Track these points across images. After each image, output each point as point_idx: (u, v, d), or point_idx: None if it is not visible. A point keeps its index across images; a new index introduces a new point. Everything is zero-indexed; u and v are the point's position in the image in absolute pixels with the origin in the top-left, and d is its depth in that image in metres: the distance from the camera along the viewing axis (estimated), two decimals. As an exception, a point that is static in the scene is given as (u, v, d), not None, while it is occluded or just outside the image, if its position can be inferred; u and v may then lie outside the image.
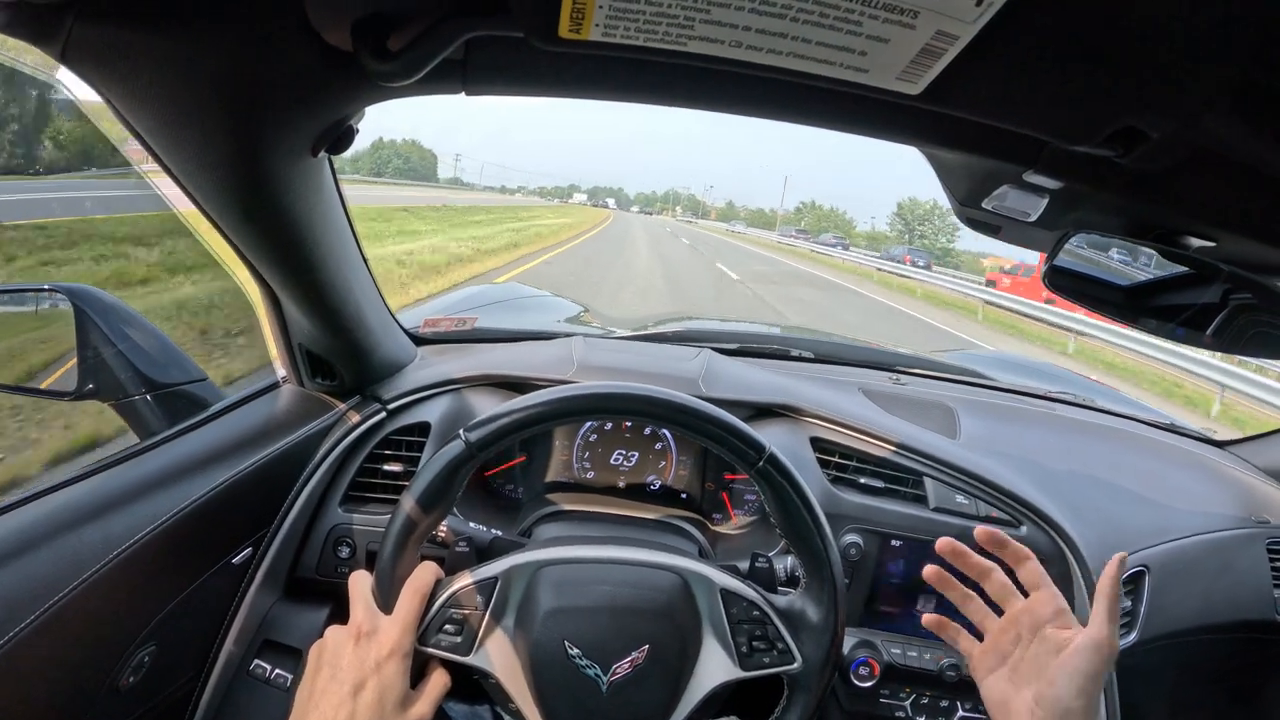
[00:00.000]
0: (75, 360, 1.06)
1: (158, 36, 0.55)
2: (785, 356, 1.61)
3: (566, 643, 0.77)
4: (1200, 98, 0.52)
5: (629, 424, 1.26)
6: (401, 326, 1.28)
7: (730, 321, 2.29)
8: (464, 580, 0.79)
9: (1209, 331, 0.88)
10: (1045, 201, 0.79)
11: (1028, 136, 0.63)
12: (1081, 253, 0.87)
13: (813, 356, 1.63)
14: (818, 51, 0.49)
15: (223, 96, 0.61)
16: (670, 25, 0.48)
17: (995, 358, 2.90)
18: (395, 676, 0.72)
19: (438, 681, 0.77)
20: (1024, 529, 1.14)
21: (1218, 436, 1.70)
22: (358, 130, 0.74)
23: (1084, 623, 0.79)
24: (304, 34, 0.56)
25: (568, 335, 1.41)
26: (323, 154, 0.75)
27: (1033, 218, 0.83)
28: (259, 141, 0.67)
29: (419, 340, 1.37)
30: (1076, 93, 0.54)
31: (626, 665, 0.77)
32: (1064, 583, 1.13)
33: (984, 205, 0.83)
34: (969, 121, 0.62)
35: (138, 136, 0.66)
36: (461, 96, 0.66)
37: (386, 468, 1.15)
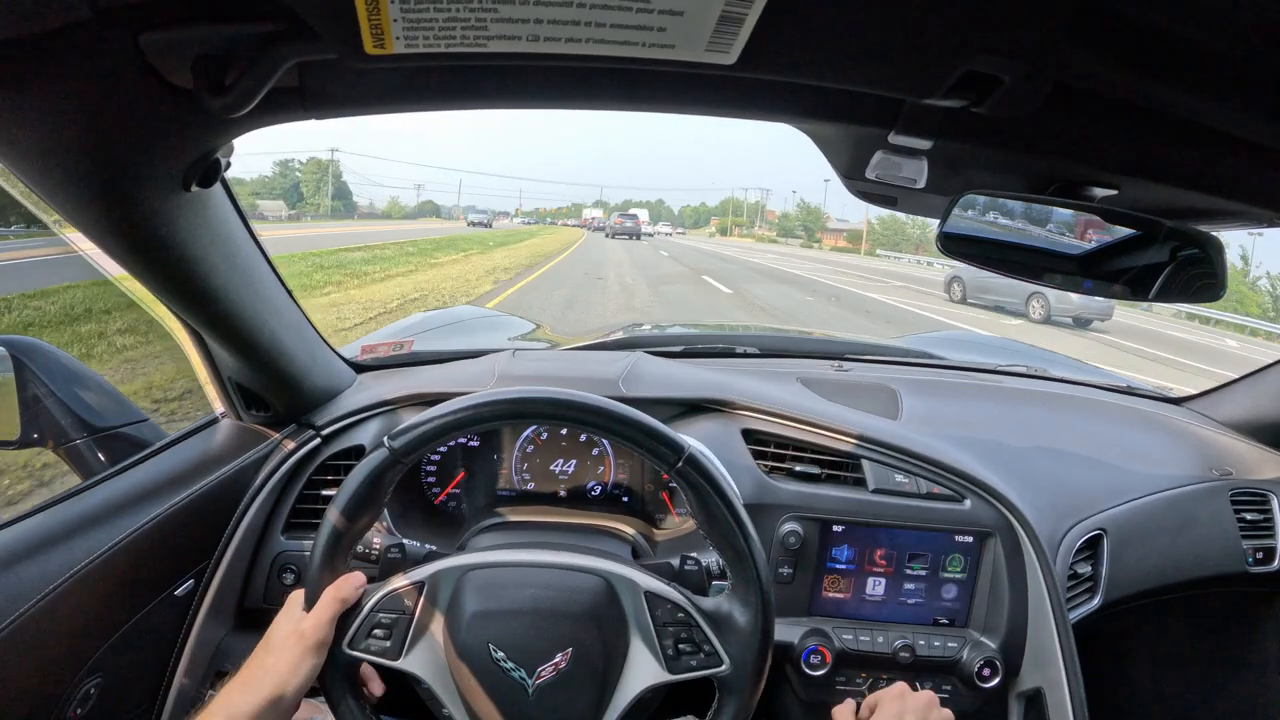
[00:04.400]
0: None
1: (20, 95, 0.57)
2: (730, 354, 1.62)
3: (491, 646, 0.77)
4: (1039, 30, 0.51)
5: (565, 432, 1.27)
6: (338, 354, 1.29)
7: (675, 326, 2.29)
8: (392, 585, 0.80)
9: (1125, 282, 0.88)
10: (925, 164, 0.79)
11: (876, 95, 0.63)
12: (973, 216, 0.87)
13: (758, 352, 1.63)
14: (616, 34, 0.50)
15: (83, 144, 0.64)
16: (465, 29, 0.49)
17: (948, 337, 2.90)
18: (298, 658, 0.74)
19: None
20: (967, 503, 1.14)
21: (1174, 394, 1.70)
22: (228, 163, 0.77)
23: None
24: (149, 79, 0.58)
25: (496, 352, 1.42)
26: (201, 190, 0.77)
27: (921, 184, 0.82)
28: (126, 182, 0.69)
29: (359, 367, 1.38)
30: (901, 42, 0.53)
31: (550, 669, 0.77)
32: (1013, 553, 1.13)
33: (868, 175, 0.83)
34: (811, 87, 0.63)
35: (32, 189, 0.69)
36: (313, 122, 0.68)
37: (325, 493, 1.16)
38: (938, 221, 0.87)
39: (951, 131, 0.70)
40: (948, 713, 0.85)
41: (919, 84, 0.58)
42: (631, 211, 54.58)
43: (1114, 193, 0.80)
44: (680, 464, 0.78)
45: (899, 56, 0.55)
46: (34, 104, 0.58)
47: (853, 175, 0.86)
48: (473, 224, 46.73)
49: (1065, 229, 0.89)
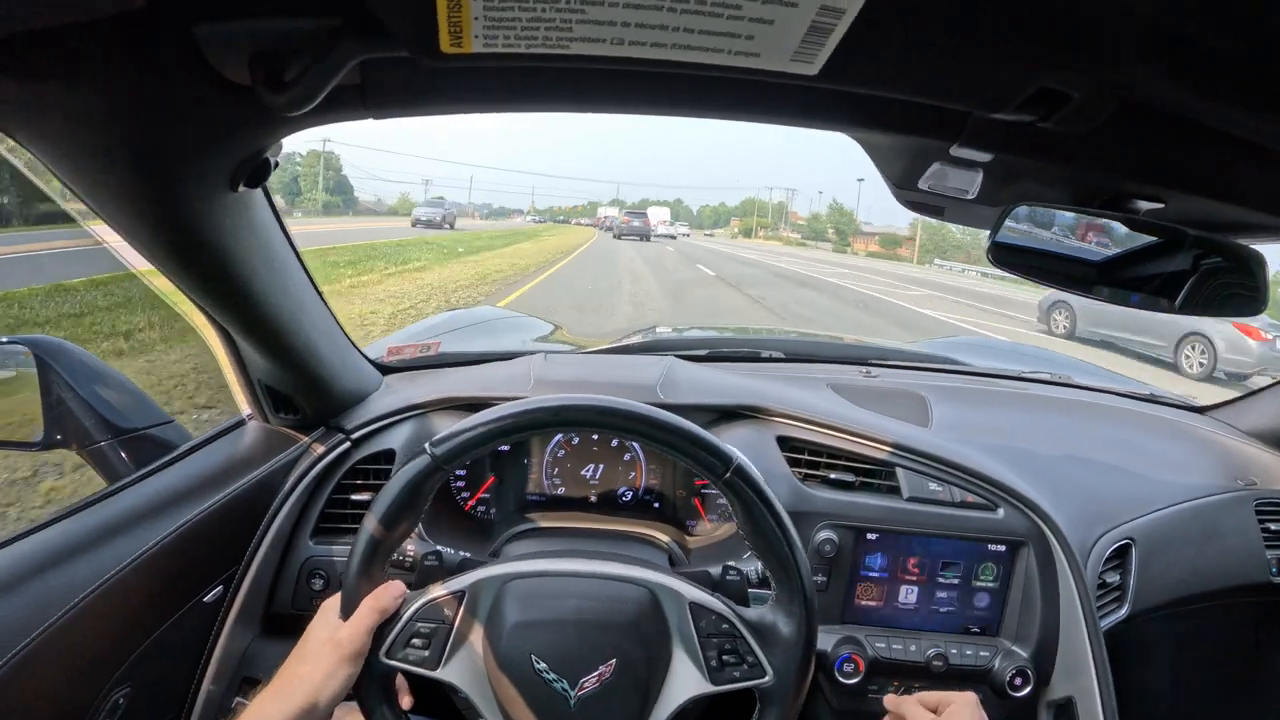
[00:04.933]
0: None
1: (66, 88, 0.56)
2: (756, 359, 1.61)
3: (533, 656, 0.76)
4: (1113, 51, 0.51)
5: (596, 437, 1.26)
6: (365, 356, 1.28)
7: (699, 329, 2.28)
8: (431, 594, 0.79)
9: (1177, 301, 0.87)
10: (980, 176, 0.79)
11: (946, 109, 0.63)
12: (1024, 228, 0.86)
13: (784, 356, 1.62)
14: (703, 40, 0.49)
15: (132, 140, 0.62)
16: (549, 29, 0.48)
17: (968, 343, 2.91)
18: (333, 667, 0.73)
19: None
20: (1001, 511, 1.13)
21: (1199, 402, 1.69)
22: (277, 162, 0.75)
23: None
24: (204, 73, 0.57)
25: (531, 354, 1.41)
26: (246, 188, 0.75)
27: (972, 195, 0.83)
28: (175, 180, 0.67)
29: (385, 369, 1.36)
30: (982, 58, 0.53)
31: (594, 679, 0.77)
32: (1045, 563, 1.12)
33: (920, 186, 0.83)
34: (881, 99, 0.62)
35: (66, 185, 0.67)
36: (371, 122, 0.67)
37: (355, 497, 1.15)
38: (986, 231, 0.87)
39: (1012, 145, 0.70)
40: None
41: (991, 98, 0.58)
42: (640, 209, 48.77)
43: (1159, 206, 0.80)
44: (728, 474, 0.77)
45: (976, 71, 0.55)
46: (79, 98, 0.57)
47: (904, 185, 0.85)
48: (421, 223, 30.04)
49: (1114, 241, 0.89)
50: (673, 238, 45.13)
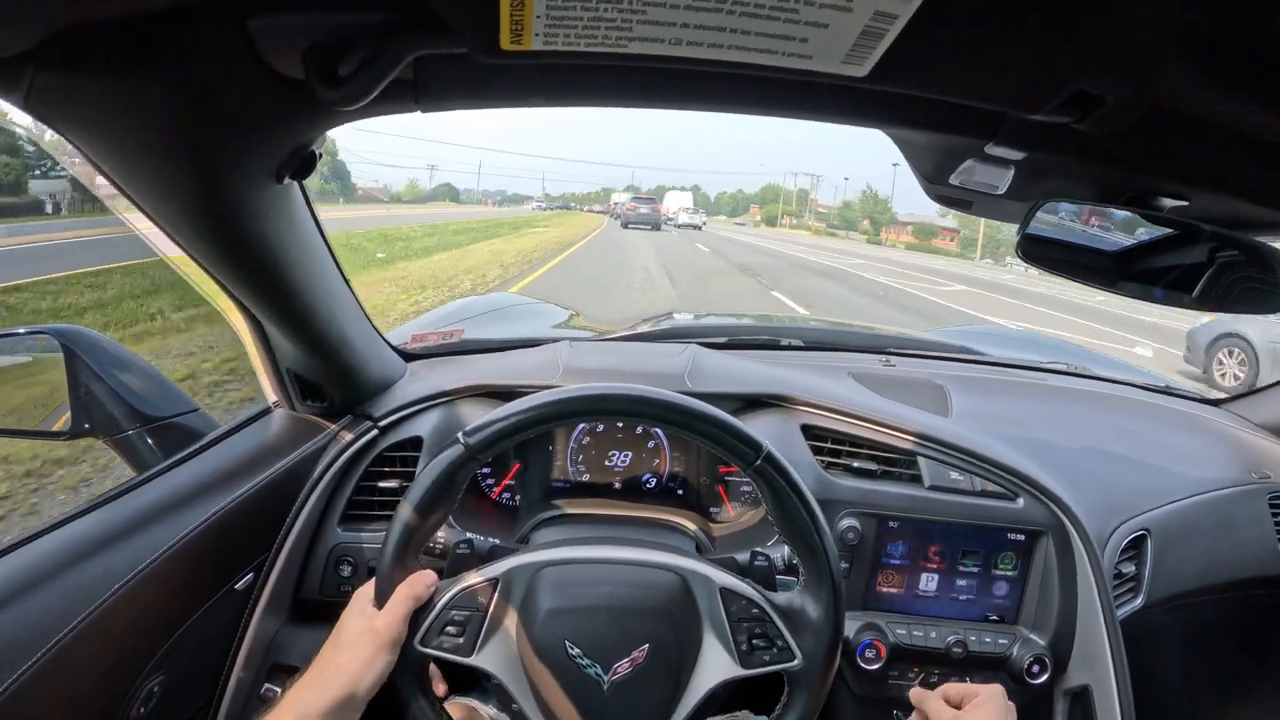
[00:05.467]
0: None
1: (114, 80, 0.56)
2: (775, 346, 1.61)
3: (567, 643, 0.78)
4: (1149, 55, 0.52)
5: (621, 424, 1.27)
6: (389, 343, 1.28)
7: (717, 315, 2.28)
8: (465, 582, 0.80)
9: (1194, 293, 0.88)
10: (1011, 173, 0.80)
11: (984, 109, 0.63)
12: (1053, 220, 0.87)
13: (802, 344, 1.63)
14: (758, 42, 0.50)
15: (182, 133, 0.62)
16: (609, 29, 0.48)
17: (986, 332, 2.91)
18: (371, 655, 0.74)
19: None
20: (1020, 501, 1.15)
21: (1213, 395, 1.70)
22: (320, 155, 0.75)
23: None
24: (256, 66, 0.57)
25: (555, 341, 1.42)
26: (290, 180, 0.75)
27: (1001, 190, 0.83)
28: (222, 173, 0.68)
29: (408, 356, 1.37)
30: (1024, 61, 0.54)
31: (627, 665, 0.78)
32: (1064, 552, 1.14)
33: (951, 181, 0.83)
34: (923, 99, 0.62)
35: (105, 175, 0.67)
36: (418, 115, 0.67)
37: (383, 484, 1.16)
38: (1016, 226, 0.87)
39: (1046, 145, 0.71)
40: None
41: (1029, 101, 0.59)
42: (649, 195, 44.36)
43: (1184, 204, 0.81)
44: (759, 461, 0.78)
45: (1017, 74, 0.56)
46: (128, 91, 0.57)
47: (935, 180, 0.86)
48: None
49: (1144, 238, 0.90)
50: (697, 228, 40.26)
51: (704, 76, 0.59)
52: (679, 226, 38.50)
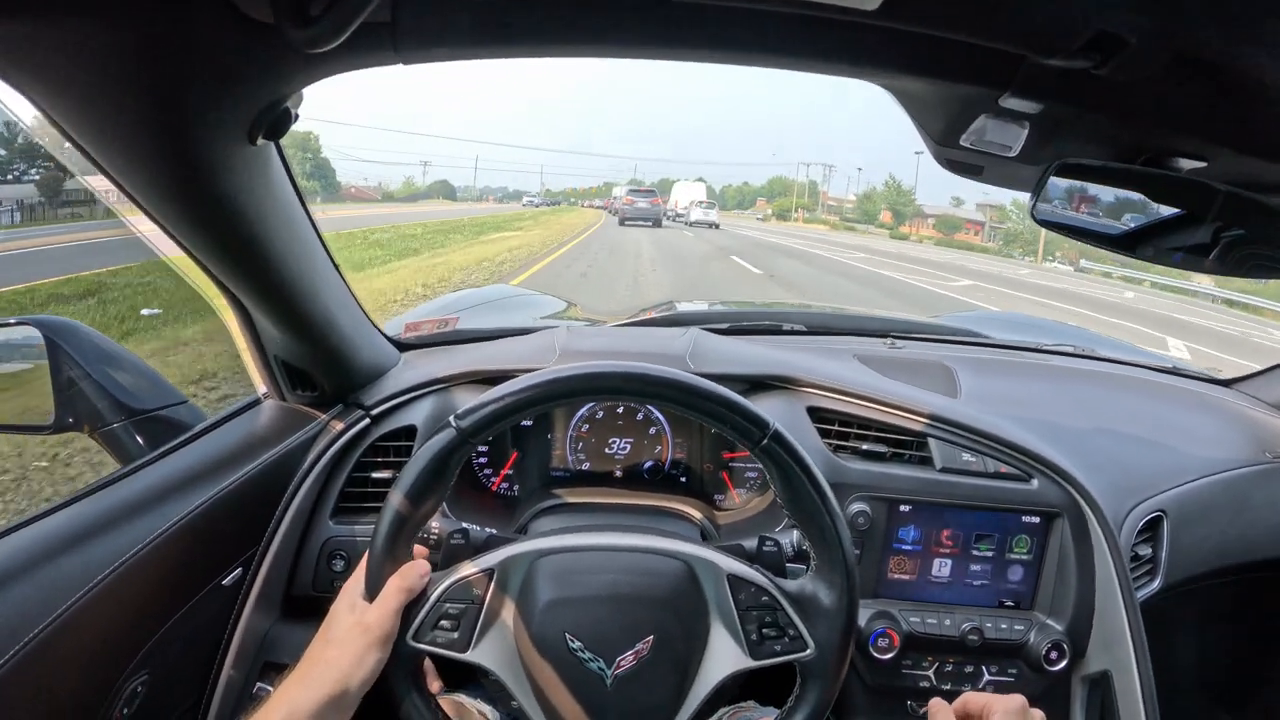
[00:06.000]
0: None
1: (68, 23, 0.52)
2: (778, 331, 1.59)
3: (568, 635, 0.74)
4: None
5: (621, 410, 1.24)
6: (382, 332, 1.25)
7: (716, 303, 2.26)
8: (458, 574, 0.76)
9: (1211, 256, 0.86)
10: (1026, 131, 0.77)
11: (1000, 52, 0.61)
12: (1065, 188, 0.84)
13: (805, 329, 1.60)
14: None
15: (143, 82, 0.59)
16: None
17: (990, 316, 2.90)
18: (362, 651, 0.71)
19: None
20: (1035, 482, 1.11)
21: (1223, 375, 1.68)
22: (297, 114, 0.71)
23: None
24: (222, 7, 0.54)
25: (551, 328, 1.39)
26: (266, 143, 0.72)
27: (1014, 151, 0.81)
28: (189, 128, 0.64)
29: (402, 346, 1.34)
30: None
31: (631, 657, 0.74)
32: (1080, 534, 1.10)
33: (962, 143, 0.80)
34: (935, 39, 0.60)
35: (68, 137, 0.64)
36: (400, 68, 0.63)
37: (376, 475, 1.12)
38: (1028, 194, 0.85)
39: (1064, 95, 0.69)
40: (1039, 713, 0.82)
41: (1048, 42, 0.57)
42: (648, 187, 35.57)
43: (1202, 164, 0.78)
44: (765, 440, 0.74)
45: (1035, 11, 0.54)
46: (92, 39, 0.54)
47: (945, 142, 0.83)
48: None
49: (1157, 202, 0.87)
50: (714, 226, 33.18)
51: (699, 17, 0.55)
52: (691, 224, 32.50)
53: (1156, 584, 1.23)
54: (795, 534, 1.04)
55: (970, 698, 0.82)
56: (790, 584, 0.79)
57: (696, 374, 0.78)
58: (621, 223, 28.72)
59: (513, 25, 0.61)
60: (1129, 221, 0.86)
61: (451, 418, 0.74)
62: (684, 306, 1.82)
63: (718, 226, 33.47)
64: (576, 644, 0.74)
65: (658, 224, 28.81)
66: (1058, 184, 0.82)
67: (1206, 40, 0.57)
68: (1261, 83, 0.61)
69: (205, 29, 0.55)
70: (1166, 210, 0.85)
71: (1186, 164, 0.78)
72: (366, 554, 0.75)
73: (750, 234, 32.69)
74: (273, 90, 0.66)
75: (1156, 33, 0.54)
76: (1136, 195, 0.85)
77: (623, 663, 0.74)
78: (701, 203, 37.53)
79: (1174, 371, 1.66)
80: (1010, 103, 0.70)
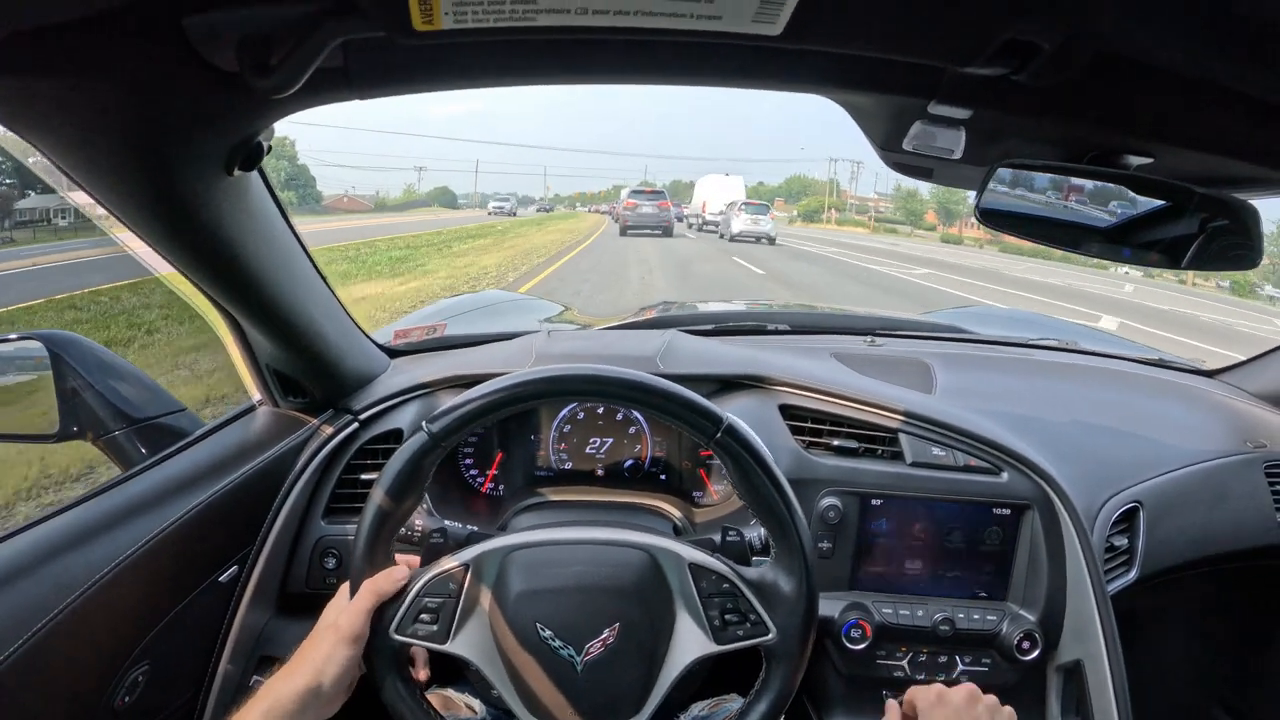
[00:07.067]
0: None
1: (64, 82, 0.58)
2: (761, 331, 1.61)
3: (538, 624, 0.78)
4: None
5: (601, 410, 1.27)
6: (372, 339, 1.30)
7: (707, 305, 2.28)
8: (436, 569, 0.80)
9: (1159, 250, 0.87)
10: (964, 135, 0.79)
11: (919, 65, 0.63)
12: (1012, 190, 0.86)
13: (789, 329, 1.62)
14: (663, 5, 0.50)
15: (130, 129, 0.64)
16: (514, 2, 0.49)
17: (974, 312, 2.89)
18: (331, 649, 0.75)
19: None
20: (1005, 475, 1.13)
21: (1206, 366, 1.68)
22: (269, 146, 0.77)
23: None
24: (193, 62, 0.59)
25: (533, 333, 1.43)
26: (244, 173, 0.77)
27: (957, 154, 0.82)
28: (173, 167, 0.70)
29: (392, 352, 1.38)
30: (943, 8, 0.54)
31: (599, 645, 0.78)
32: (1051, 526, 1.12)
33: (905, 147, 0.83)
34: (851, 56, 0.62)
35: (68, 175, 0.70)
36: (357, 103, 0.68)
37: (364, 477, 1.17)
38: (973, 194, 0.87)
39: (991, 100, 0.70)
40: (992, 698, 0.85)
41: (960, 52, 0.58)
42: (653, 189, 25.80)
43: (1149, 161, 0.80)
44: (719, 434, 0.78)
45: (941, 24, 0.56)
46: (77, 90, 0.59)
47: (889, 147, 0.86)
48: None
49: (1103, 198, 0.89)
50: (768, 239, 23.16)
51: (625, 47, 0.59)
52: (733, 238, 22.85)
53: (1133, 574, 1.23)
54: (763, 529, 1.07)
55: (916, 691, 0.85)
56: (750, 571, 0.82)
57: (664, 374, 0.81)
58: (622, 232, 23.88)
59: (445, 64, 0.66)
60: (1072, 221, 0.87)
61: (424, 423, 0.79)
62: (673, 310, 1.85)
63: (774, 241, 23.50)
64: (547, 633, 0.77)
65: (667, 233, 23.75)
66: (1001, 184, 0.84)
67: (1121, 42, 0.59)
68: (1186, 79, 0.62)
69: (180, 80, 0.61)
70: (1115, 209, 0.87)
71: (1135, 161, 0.80)
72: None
73: (818, 250, 23.37)
74: (243, 128, 0.71)
75: (1071, 35, 0.55)
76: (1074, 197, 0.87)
77: (592, 650, 0.78)
78: (745, 204, 25.83)
79: (1157, 364, 1.66)
80: (940, 110, 0.72)
